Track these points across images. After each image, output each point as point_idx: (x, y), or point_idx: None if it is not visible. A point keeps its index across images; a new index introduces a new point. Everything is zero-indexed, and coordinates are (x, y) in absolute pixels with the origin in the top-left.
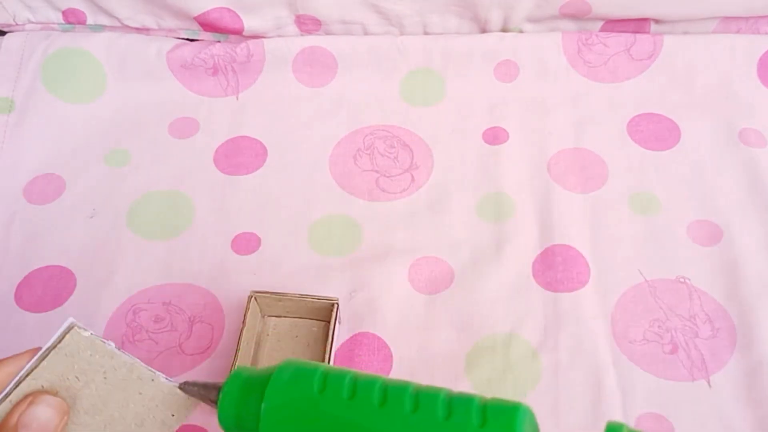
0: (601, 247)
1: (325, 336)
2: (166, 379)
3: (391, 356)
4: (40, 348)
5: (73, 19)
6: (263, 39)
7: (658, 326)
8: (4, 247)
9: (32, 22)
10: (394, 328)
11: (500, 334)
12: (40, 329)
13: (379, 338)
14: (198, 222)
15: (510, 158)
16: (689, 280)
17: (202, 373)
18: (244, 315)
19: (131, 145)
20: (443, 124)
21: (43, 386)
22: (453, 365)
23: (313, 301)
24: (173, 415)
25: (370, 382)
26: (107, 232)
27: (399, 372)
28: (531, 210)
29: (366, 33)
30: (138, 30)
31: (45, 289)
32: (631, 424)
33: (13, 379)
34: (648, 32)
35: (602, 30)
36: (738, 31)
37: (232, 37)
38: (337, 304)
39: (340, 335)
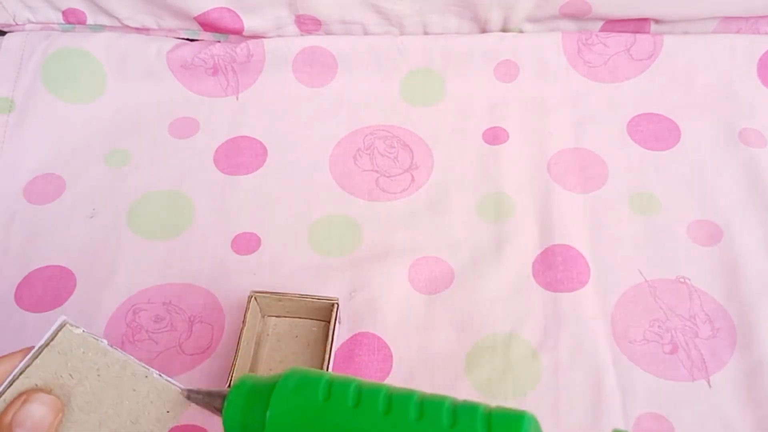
0: (601, 247)
1: (325, 336)
2: (159, 375)
3: (391, 356)
4: (33, 347)
5: (73, 19)
6: (263, 39)
7: (658, 326)
8: (4, 247)
9: (32, 22)
10: (394, 328)
11: (500, 334)
12: (40, 329)
13: (379, 338)
14: (198, 222)
15: (510, 158)
16: (689, 280)
17: (202, 373)
18: (244, 315)
19: (131, 145)
20: (443, 124)
21: (36, 384)
22: (453, 365)
23: (313, 301)
24: (168, 412)
25: (374, 390)
26: (107, 232)
27: (399, 372)
28: (531, 210)
29: (366, 33)
30: (138, 30)
31: (45, 289)
32: (631, 424)
33: (6, 378)
34: (648, 32)
35: (602, 30)
36: (738, 31)
37: (232, 37)
38: (337, 304)
39: (340, 335)
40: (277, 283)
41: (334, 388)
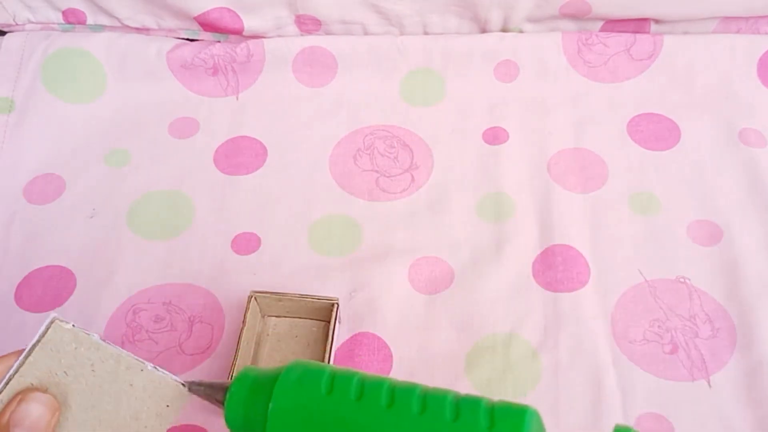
0: (601, 247)
1: (325, 336)
2: (155, 367)
3: (391, 356)
4: (25, 348)
5: (73, 19)
6: (263, 39)
7: (658, 326)
8: (4, 247)
9: (32, 22)
10: (394, 328)
11: (500, 334)
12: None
13: (379, 338)
14: (198, 222)
15: (510, 158)
16: (689, 280)
17: (202, 373)
18: (244, 315)
19: (131, 145)
20: (443, 124)
21: (32, 384)
22: (453, 365)
23: (313, 301)
24: (168, 406)
25: (377, 384)
26: (107, 232)
27: (399, 372)
28: (531, 210)
29: (366, 33)
30: (138, 30)
31: (45, 289)
32: (631, 424)
33: (1, 380)
34: (648, 32)
35: (602, 30)
36: (738, 31)
37: (232, 37)
38: (337, 304)
39: (340, 335)
40: (277, 283)
41: (337, 380)
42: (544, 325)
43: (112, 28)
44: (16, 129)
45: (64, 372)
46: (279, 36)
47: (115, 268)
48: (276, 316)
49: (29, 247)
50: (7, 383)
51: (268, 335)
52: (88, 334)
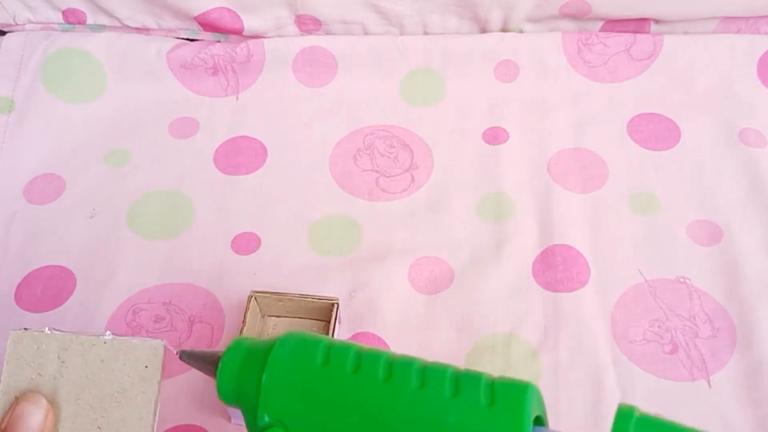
0: (601, 247)
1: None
2: (113, 336)
3: None
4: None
5: (73, 19)
6: (263, 39)
7: (658, 326)
8: (4, 247)
9: (32, 22)
10: (394, 328)
11: (500, 334)
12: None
13: (379, 338)
14: (198, 222)
15: (510, 158)
16: (689, 280)
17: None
18: (244, 315)
19: (131, 145)
20: (443, 124)
21: (16, 396)
22: (453, 365)
23: (313, 301)
24: (147, 367)
25: (375, 357)
26: (107, 232)
27: None
28: (531, 210)
29: (366, 33)
30: (138, 30)
31: (45, 289)
32: None
33: None
34: (648, 32)
35: (602, 30)
36: (738, 31)
37: (232, 37)
38: (337, 304)
39: (340, 335)
40: (277, 283)
41: (333, 352)
42: (544, 325)
43: (112, 28)
44: (16, 129)
45: (39, 374)
46: (279, 36)
47: (115, 268)
48: (276, 316)
49: (29, 247)
50: None
51: (268, 335)
52: (41, 330)
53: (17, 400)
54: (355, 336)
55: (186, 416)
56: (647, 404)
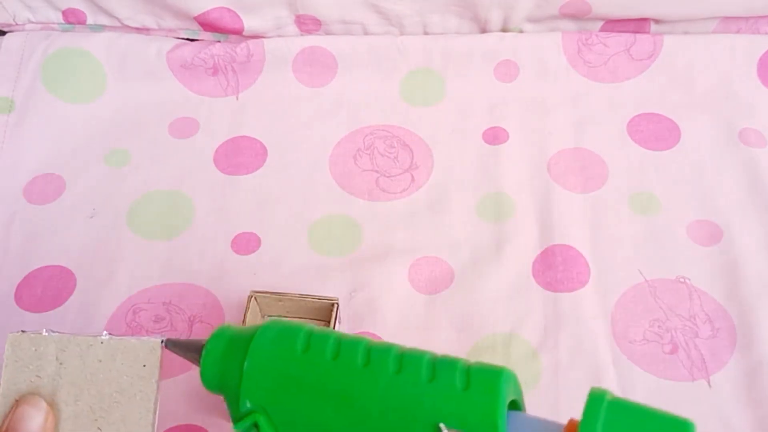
0: (601, 247)
1: None
2: (110, 336)
3: None
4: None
5: (73, 19)
6: (263, 39)
7: (658, 326)
8: (4, 247)
9: (32, 22)
10: (394, 328)
11: (500, 334)
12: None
13: (379, 338)
14: (198, 222)
15: (510, 158)
16: (689, 280)
17: None
18: (244, 315)
19: (131, 145)
20: (443, 124)
21: (16, 399)
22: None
23: (313, 301)
24: (145, 366)
25: (354, 343)
26: (107, 232)
27: None
28: (531, 210)
29: (366, 33)
30: (138, 30)
31: (45, 289)
32: None
33: None
34: (648, 32)
35: (602, 30)
36: (738, 31)
37: (232, 37)
38: (337, 304)
39: None
40: (277, 283)
41: (313, 339)
42: (544, 325)
43: (112, 28)
44: (16, 129)
45: (38, 376)
46: (279, 36)
47: (115, 268)
48: (276, 316)
49: (29, 247)
50: None
51: None
52: (38, 332)
53: (17, 403)
54: None
55: (186, 416)
56: (647, 404)
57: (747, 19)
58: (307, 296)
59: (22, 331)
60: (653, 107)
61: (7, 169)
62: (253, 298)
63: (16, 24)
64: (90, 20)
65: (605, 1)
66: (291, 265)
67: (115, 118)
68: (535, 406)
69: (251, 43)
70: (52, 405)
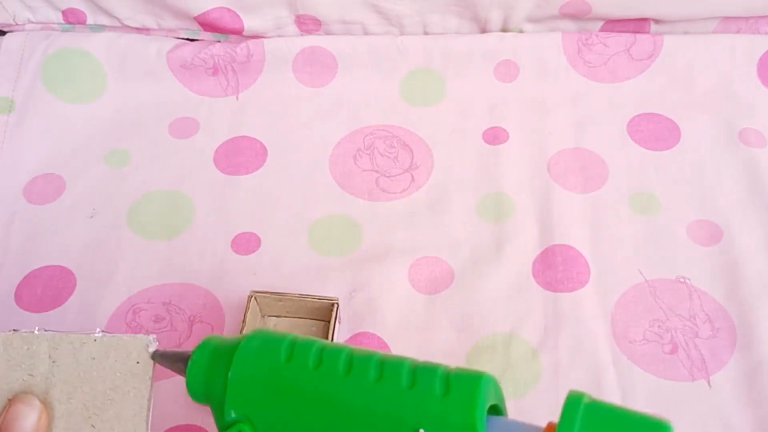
0: (601, 247)
1: (325, 336)
2: (103, 333)
3: None
4: None
5: (73, 19)
6: (263, 39)
7: (658, 326)
8: (4, 247)
9: (32, 22)
10: (394, 328)
11: (500, 334)
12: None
13: (379, 338)
14: (198, 222)
15: (510, 158)
16: (689, 280)
17: None
18: (244, 315)
19: (131, 145)
20: (443, 124)
21: (9, 398)
22: (453, 365)
23: (313, 301)
24: (138, 363)
25: (336, 352)
26: (107, 232)
27: None
28: (531, 210)
29: (366, 33)
30: (138, 30)
31: (45, 289)
32: None
33: None
34: (648, 32)
35: (602, 30)
36: (738, 31)
37: (232, 37)
38: (337, 304)
39: (340, 335)
40: (277, 283)
41: (297, 349)
42: (544, 325)
43: (112, 28)
44: (16, 129)
45: (30, 374)
46: (279, 36)
47: (115, 268)
48: (276, 316)
49: (29, 247)
50: None
51: None
52: (30, 331)
53: (10, 402)
54: (355, 336)
55: (186, 416)
56: (647, 404)
57: (747, 19)
58: (307, 296)
59: (14, 330)
60: (653, 107)
61: (7, 169)
62: (253, 298)
63: (16, 24)
64: (90, 20)
65: (605, 1)
66: (291, 265)
67: (115, 118)
68: (535, 406)
69: (251, 43)
70: (46, 403)
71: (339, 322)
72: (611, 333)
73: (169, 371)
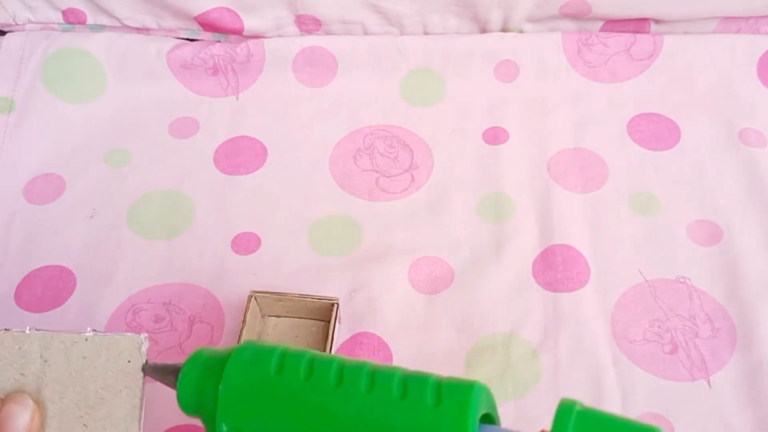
0: (601, 247)
1: (325, 336)
2: (95, 332)
3: (391, 356)
4: None
5: (73, 19)
6: (263, 39)
7: (658, 326)
8: (4, 247)
9: (32, 22)
10: (394, 328)
11: (500, 334)
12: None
13: (379, 338)
14: (198, 222)
15: (510, 158)
16: (689, 280)
17: None
18: (244, 315)
19: (131, 145)
20: (443, 124)
21: (1, 398)
22: (453, 365)
23: (313, 301)
24: (129, 361)
25: (326, 363)
26: (107, 232)
27: None
28: (531, 210)
29: (366, 33)
30: (138, 30)
31: (45, 289)
32: None
33: None
34: (648, 32)
35: (602, 30)
36: (738, 31)
37: (232, 37)
38: (337, 304)
39: (340, 335)
40: (277, 283)
41: (287, 360)
42: (544, 325)
43: (112, 28)
44: (16, 129)
45: (21, 374)
46: (279, 36)
47: (115, 268)
48: (276, 316)
49: (29, 247)
50: None
51: (268, 335)
52: (22, 331)
53: (2, 401)
54: (355, 336)
55: (185, 416)
56: (647, 404)
57: (747, 19)
58: (307, 296)
59: (5, 330)
60: (653, 107)
61: (7, 169)
62: (253, 298)
63: (16, 24)
64: (90, 20)
65: (605, 1)
66: (291, 265)
67: (115, 118)
68: (535, 406)
69: (251, 43)
70: (38, 403)
71: (339, 322)
72: (611, 333)
73: None
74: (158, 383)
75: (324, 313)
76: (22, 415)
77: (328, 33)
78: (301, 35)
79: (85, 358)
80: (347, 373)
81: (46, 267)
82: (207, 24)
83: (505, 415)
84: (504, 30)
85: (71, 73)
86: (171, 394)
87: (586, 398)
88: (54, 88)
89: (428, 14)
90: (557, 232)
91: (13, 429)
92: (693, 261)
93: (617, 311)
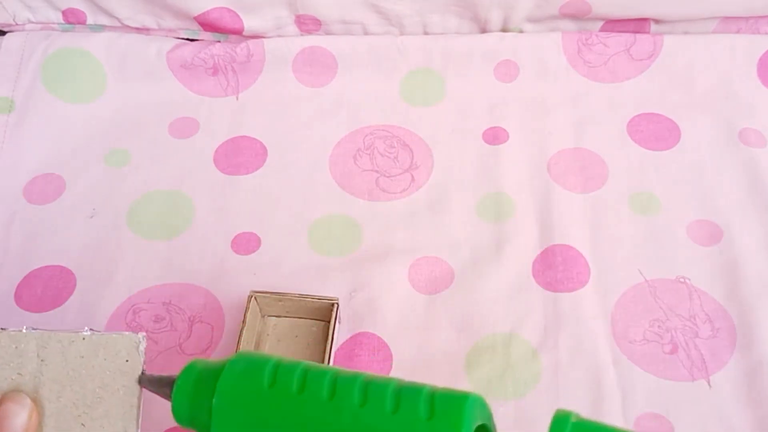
0: (601, 247)
1: (325, 336)
2: (92, 331)
3: (391, 356)
4: None
5: (73, 19)
6: (263, 39)
7: (658, 326)
8: (4, 247)
9: (32, 22)
10: (394, 328)
11: (500, 334)
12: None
13: (379, 338)
14: (198, 222)
15: (510, 158)
16: (689, 280)
17: None
18: (244, 315)
19: (131, 145)
20: (443, 124)
21: None
22: (453, 365)
23: (313, 301)
24: (127, 360)
25: (319, 375)
26: (107, 232)
27: (399, 372)
28: (531, 210)
29: (366, 33)
30: (138, 30)
31: (45, 289)
32: (631, 424)
33: None
34: (648, 32)
35: (602, 30)
36: (738, 31)
37: (232, 37)
38: (337, 304)
39: (340, 335)
40: (277, 283)
41: (280, 373)
42: (544, 325)
43: (112, 28)
44: (16, 129)
45: (18, 373)
46: (279, 36)
47: (115, 268)
48: (276, 316)
49: (29, 247)
50: None
51: (268, 335)
52: (18, 330)
53: (0, 400)
54: (355, 336)
55: None
56: (647, 404)
57: (747, 19)
58: (307, 296)
59: (2, 329)
60: (653, 107)
61: (7, 169)
62: (253, 298)
63: (16, 24)
64: (90, 20)
65: (605, 1)
66: (291, 265)
67: (115, 118)
68: (535, 406)
69: (251, 43)
70: (35, 402)
71: (339, 322)
72: (611, 333)
73: (166, 371)
74: None
75: (324, 313)
76: (20, 415)
77: (328, 33)
78: (301, 35)
79: (82, 357)
80: (340, 385)
81: (46, 267)
82: (207, 24)
83: (505, 415)
84: (504, 30)
85: (71, 73)
86: None
87: (586, 398)
88: (54, 88)
89: (428, 14)
90: (557, 232)
91: (10, 428)
92: (693, 261)
93: (617, 311)
